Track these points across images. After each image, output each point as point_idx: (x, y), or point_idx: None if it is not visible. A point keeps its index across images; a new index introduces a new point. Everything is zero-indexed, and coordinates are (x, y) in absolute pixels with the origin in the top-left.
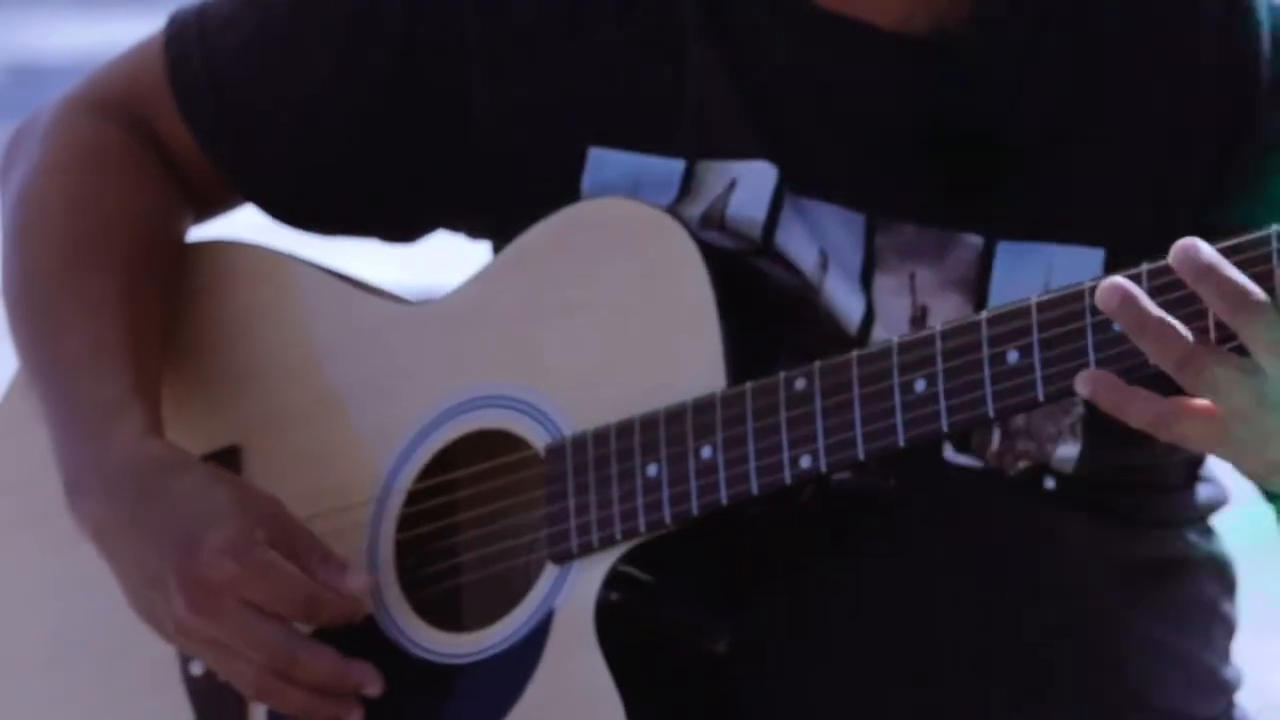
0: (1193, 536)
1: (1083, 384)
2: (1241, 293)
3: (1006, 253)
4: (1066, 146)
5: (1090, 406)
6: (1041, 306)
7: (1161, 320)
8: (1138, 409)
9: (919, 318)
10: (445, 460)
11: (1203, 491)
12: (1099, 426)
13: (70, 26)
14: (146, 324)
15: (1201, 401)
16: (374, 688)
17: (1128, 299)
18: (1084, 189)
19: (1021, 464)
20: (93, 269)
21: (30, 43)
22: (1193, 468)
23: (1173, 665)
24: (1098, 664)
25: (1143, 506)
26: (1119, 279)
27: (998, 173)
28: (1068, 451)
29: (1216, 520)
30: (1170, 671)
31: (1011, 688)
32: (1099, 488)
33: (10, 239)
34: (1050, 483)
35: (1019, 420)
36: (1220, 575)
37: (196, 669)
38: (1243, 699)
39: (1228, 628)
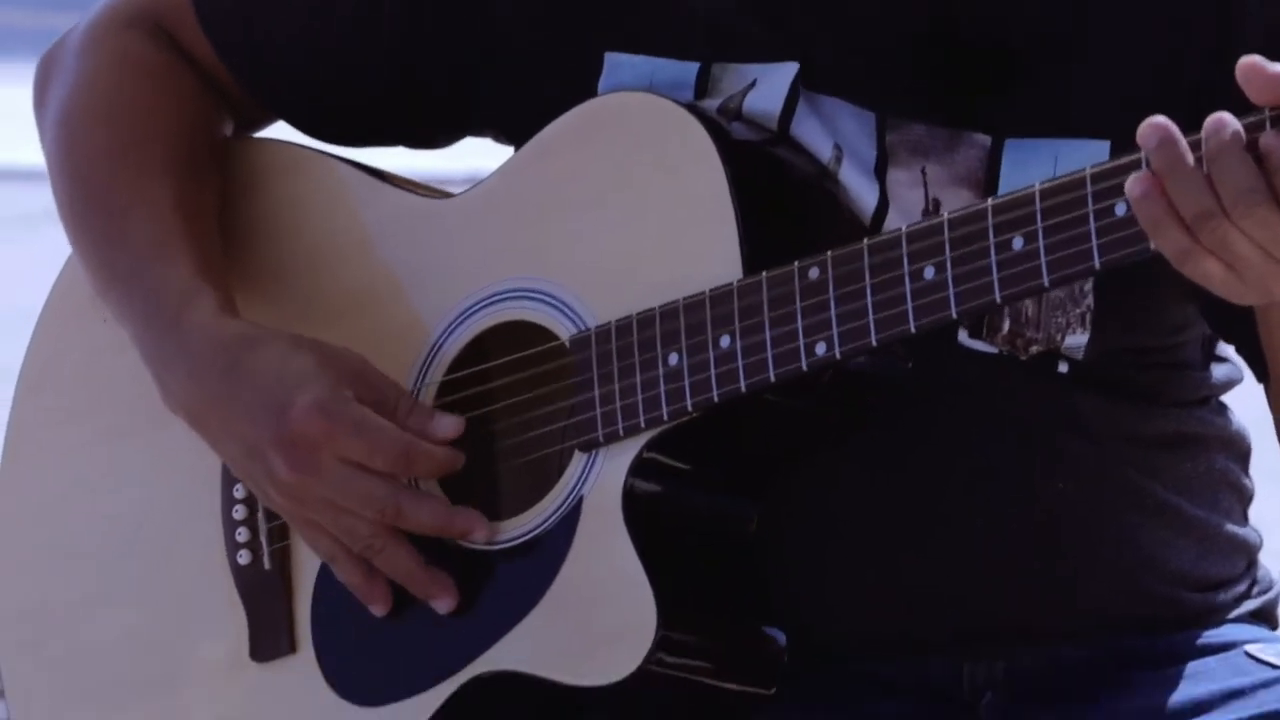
0: (1207, 414)
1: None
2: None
3: (1014, 149)
4: (1069, 44)
5: (1098, 298)
6: (1045, 194)
7: (1195, 168)
8: (1172, 239)
9: (932, 210)
10: (475, 352)
11: (1217, 371)
12: (1106, 317)
13: None
14: (201, 219)
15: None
16: (480, 533)
17: (1167, 139)
18: (1087, 83)
19: (1034, 349)
20: (142, 171)
21: None
22: (1209, 348)
23: (1185, 532)
24: (1111, 532)
25: (1158, 385)
26: (1160, 118)
27: (1003, 74)
28: (1076, 340)
29: (1230, 397)
30: (1182, 538)
31: (1027, 555)
32: (1112, 369)
33: (57, 153)
34: (1063, 366)
35: (1028, 310)
36: (1234, 449)
37: (244, 558)
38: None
39: (1242, 495)
